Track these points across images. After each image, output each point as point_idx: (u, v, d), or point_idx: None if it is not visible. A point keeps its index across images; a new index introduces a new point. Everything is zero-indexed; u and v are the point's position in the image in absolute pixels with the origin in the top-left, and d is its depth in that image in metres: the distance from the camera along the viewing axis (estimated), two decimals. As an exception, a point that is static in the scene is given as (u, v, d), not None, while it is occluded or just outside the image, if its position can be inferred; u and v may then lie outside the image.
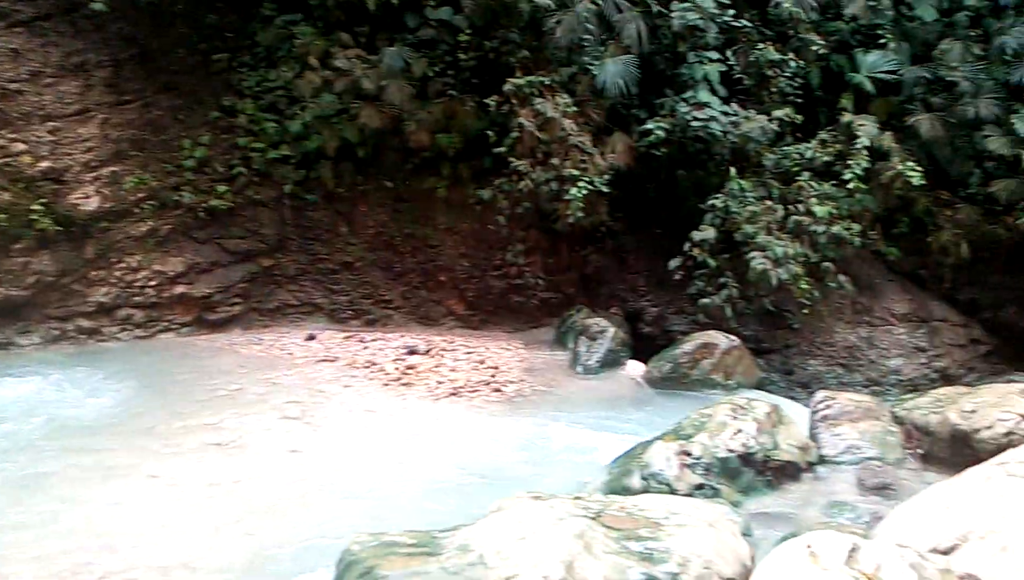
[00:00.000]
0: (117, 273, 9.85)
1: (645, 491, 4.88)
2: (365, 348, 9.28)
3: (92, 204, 9.70)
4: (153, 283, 9.97)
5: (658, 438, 5.43)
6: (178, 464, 6.00)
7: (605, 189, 9.44)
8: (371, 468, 6.04)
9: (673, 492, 4.86)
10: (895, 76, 10.41)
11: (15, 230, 9.31)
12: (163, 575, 4.45)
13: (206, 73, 10.55)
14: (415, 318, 10.74)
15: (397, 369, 8.54)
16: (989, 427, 5.22)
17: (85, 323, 9.72)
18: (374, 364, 8.71)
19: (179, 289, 10.08)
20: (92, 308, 9.73)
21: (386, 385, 8.16)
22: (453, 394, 7.98)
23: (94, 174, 9.81)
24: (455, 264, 10.73)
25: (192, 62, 10.51)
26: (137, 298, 9.91)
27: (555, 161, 9.46)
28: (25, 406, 7.24)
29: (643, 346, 9.59)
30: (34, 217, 9.33)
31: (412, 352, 9.07)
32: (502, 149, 9.70)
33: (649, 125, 9.61)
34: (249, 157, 10.28)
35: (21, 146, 9.53)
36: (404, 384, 8.19)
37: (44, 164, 9.56)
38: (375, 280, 10.73)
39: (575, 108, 9.64)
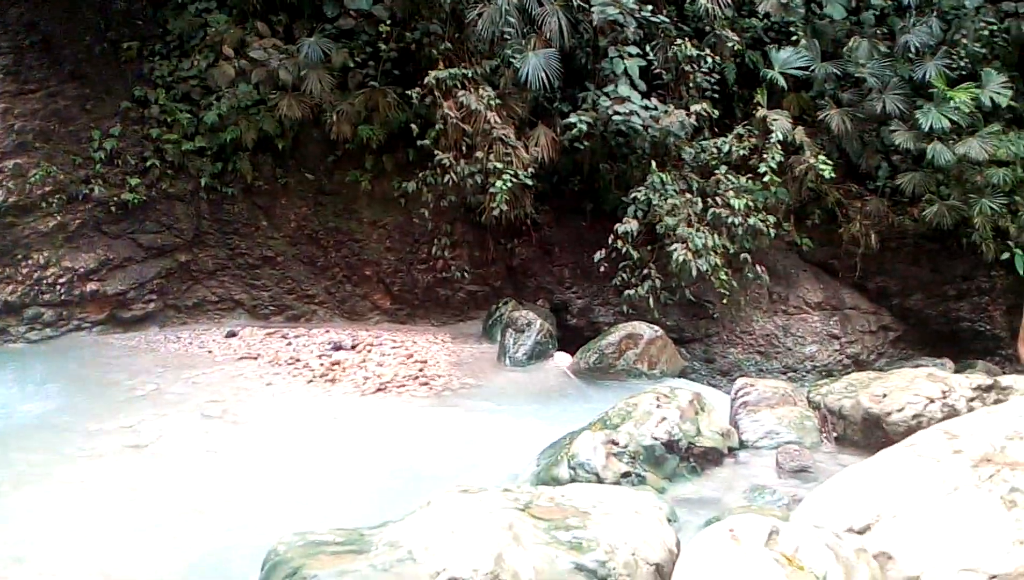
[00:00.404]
0: (24, 270, 9.42)
1: (573, 481, 4.93)
2: (288, 344, 9.12)
3: (-5, 198, 9.25)
4: (63, 280, 9.57)
5: (585, 428, 5.50)
6: (95, 468, 5.79)
7: (530, 182, 9.49)
8: (297, 467, 5.94)
9: (600, 481, 4.93)
10: (807, 72, 10.76)
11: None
12: (79, 585, 4.29)
13: (115, 62, 10.16)
14: (340, 313, 10.60)
15: (322, 365, 8.42)
16: (899, 410, 5.45)
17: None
18: (298, 361, 8.57)
19: (91, 286, 9.70)
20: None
21: (311, 382, 8.05)
22: (380, 389, 7.92)
23: (-4, 166, 9.35)
24: (380, 258, 10.62)
25: (100, 50, 10.09)
26: (46, 296, 9.49)
27: (479, 154, 9.46)
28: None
29: (570, 337, 9.70)
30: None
31: (338, 347, 8.96)
32: (426, 142, 9.65)
33: (572, 119, 9.68)
34: (162, 149, 9.95)
35: None
36: (330, 380, 8.08)
37: None
38: (298, 275, 10.54)
39: (498, 101, 9.64)
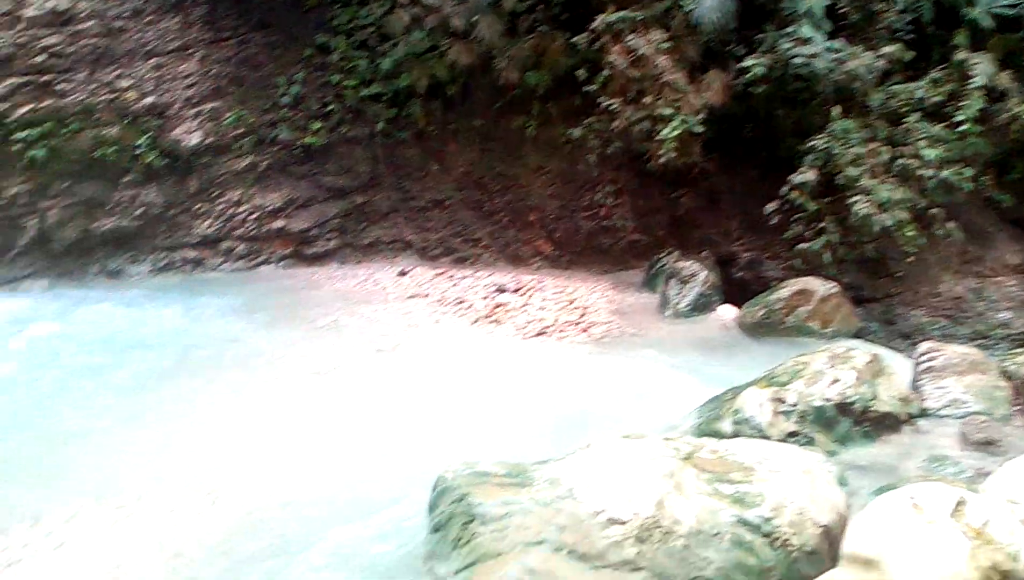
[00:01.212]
0: (220, 206, 10.24)
1: (736, 436, 4.83)
2: (455, 285, 9.41)
3: (194, 139, 10.04)
4: (254, 217, 10.32)
5: (751, 384, 5.34)
6: (279, 391, 6.27)
7: (699, 129, 9.16)
8: (461, 402, 6.16)
9: (765, 438, 4.79)
10: (1015, 11, 9.64)
11: (124, 164, 9.75)
12: (265, 494, 4.68)
13: (299, 10, 10.68)
14: (503, 257, 10.78)
15: (486, 307, 8.64)
16: (1107, 384, 4.94)
17: (191, 254, 10.19)
18: (464, 301, 8.83)
19: (278, 223, 10.41)
20: (197, 240, 10.18)
21: (475, 322, 8.28)
22: (541, 333, 8.03)
23: (196, 109, 10.13)
24: (544, 204, 10.68)
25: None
26: (238, 231, 10.29)
27: (648, 100, 9.21)
28: (130, 334, 7.68)
29: (735, 291, 9.37)
30: (140, 151, 9.73)
31: (501, 290, 9.14)
32: (593, 87, 9.51)
33: (748, 62, 9.19)
34: (342, 94, 10.42)
35: (127, 82, 9.89)
36: (493, 321, 8.28)
37: (148, 100, 9.91)
38: (465, 218, 10.80)
39: (669, 44, 9.31)
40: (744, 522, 3.45)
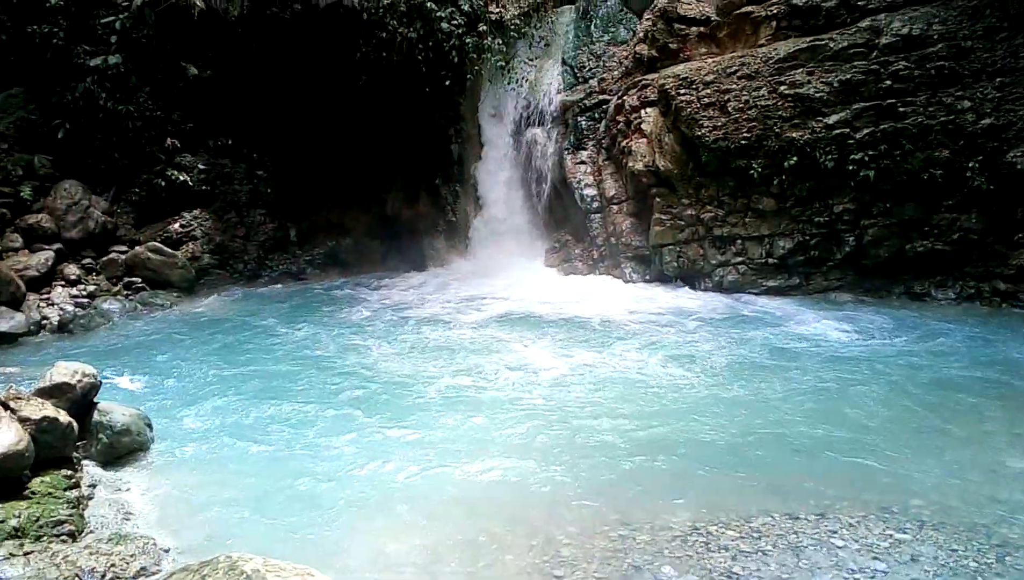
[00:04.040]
0: (1040, 240, 9.26)
1: None
2: None
3: (1031, 163, 9.24)
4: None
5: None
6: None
7: None
8: None
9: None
10: None
11: (948, 186, 9.60)
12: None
13: None
14: None
15: None
16: None
17: (1001, 285, 9.48)
18: None
19: None
20: (1012, 271, 9.42)
21: None
22: None
23: (1036, 131, 9.29)
24: None
25: None
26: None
27: None
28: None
29: None
30: (968, 174, 9.42)
31: None
32: None
33: None
34: None
35: (966, 104, 9.62)
36: None
37: (986, 121, 9.49)
38: None
39: None
40: None
